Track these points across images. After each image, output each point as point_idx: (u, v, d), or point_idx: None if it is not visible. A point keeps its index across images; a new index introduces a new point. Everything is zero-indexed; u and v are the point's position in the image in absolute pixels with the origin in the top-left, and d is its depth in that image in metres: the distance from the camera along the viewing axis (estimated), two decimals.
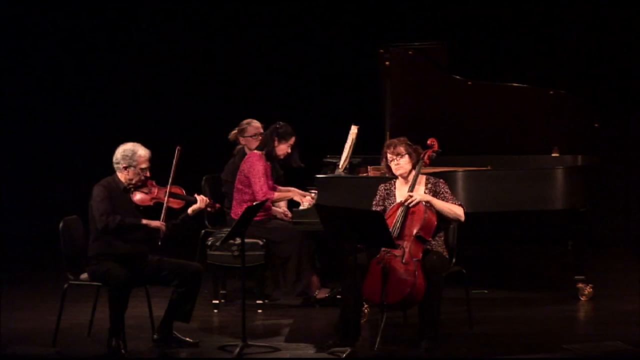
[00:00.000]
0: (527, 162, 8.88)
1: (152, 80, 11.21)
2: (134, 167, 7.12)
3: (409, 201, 7.17)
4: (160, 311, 7.37)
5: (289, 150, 8.47)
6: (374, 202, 7.44)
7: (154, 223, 7.10)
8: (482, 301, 8.35)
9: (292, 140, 8.47)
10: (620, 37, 10.84)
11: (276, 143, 8.43)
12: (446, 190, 7.35)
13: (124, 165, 7.12)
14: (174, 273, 7.14)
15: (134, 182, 7.16)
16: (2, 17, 11.13)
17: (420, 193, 7.26)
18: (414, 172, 7.33)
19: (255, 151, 8.51)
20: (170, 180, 7.18)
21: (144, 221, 7.09)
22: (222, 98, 11.11)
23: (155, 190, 7.21)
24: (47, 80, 11.26)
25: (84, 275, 7.15)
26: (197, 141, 10.93)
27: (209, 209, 7.45)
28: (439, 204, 7.24)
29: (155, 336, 7.20)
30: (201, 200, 7.28)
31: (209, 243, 8.32)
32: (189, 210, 7.27)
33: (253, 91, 11.09)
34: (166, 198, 7.15)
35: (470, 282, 7.56)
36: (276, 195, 8.45)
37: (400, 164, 7.32)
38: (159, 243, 7.12)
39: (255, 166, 8.36)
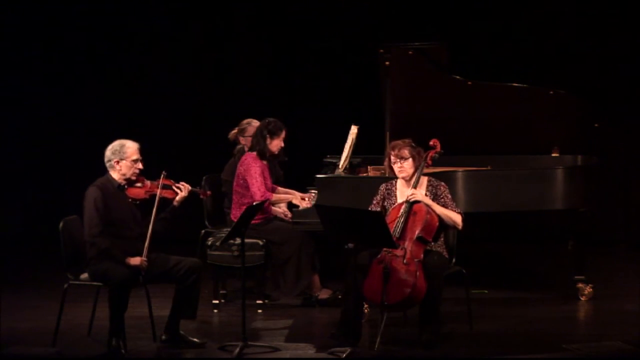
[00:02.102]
0: (527, 162, 8.88)
1: (152, 79, 11.21)
2: (126, 159, 7.18)
3: (410, 196, 7.18)
4: (160, 311, 7.38)
5: (282, 144, 8.47)
6: (374, 202, 7.44)
7: (134, 261, 7.05)
8: (482, 301, 8.35)
9: (284, 134, 8.46)
10: (621, 36, 10.84)
11: (268, 140, 8.42)
12: (447, 195, 7.35)
13: (116, 159, 7.18)
14: (173, 269, 7.15)
15: (128, 176, 7.20)
16: (1, 17, 11.13)
17: (422, 194, 7.27)
18: (416, 174, 7.33)
19: (250, 152, 8.50)
20: (160, 182, 7.19)
21: (127, 259, 7.05)
22: (222, 98, 11.11)
23: (148, 183, 7.27)
24: (47, 80, 11.25)
25: (84, 275, 7.16)
26: (197, 141, 10.94)
27: (201, 196, 7.47)
28: (438, 209, 7.24)
29: (163, 337, 7.21)
30: (182, 189, 7.30)
31: (209, 243, 8.32)
32: (175, 202, 7.28)
33: (253, 91, 11.09)
34: (159, 190, 7.18)
35: (470, 282, 7.56)
36: (274, 197, 8.44)
37: (404, 167, 7.32)
38: (140, 280, 7.10)
39: (251, 167, 8.35)
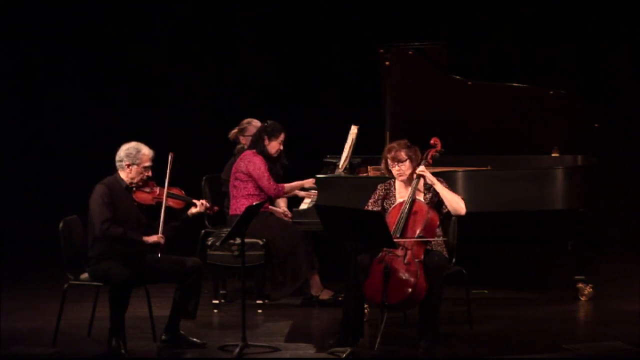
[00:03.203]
0: (527, 162, 8.88)
1: (152, 80, 11.21)
2: (137, 165, 7.15)
3: (419, 171, 7.19)
4: (160, 311, 7.38)
5: (281, 147, 8.47)
6: (371, 200, 7.43)
7: (152, 239, 7.09)
8: (482, 301, 8.35)
9: (282, 136, 8.46)
10: (621, 36, 10.84)
11: (267, 141, 8.43)
12: (445, 187, 7.33)
13: (127, 163, 7.14)
14: (174, 270, 7.15)
15: (135, 181, 7.17)
16: (1, 18, 11.13)
17: (430, 175, 7.26)
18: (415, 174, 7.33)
19: (250, 150, 8.50)
20: (167, 182, 7.18)
21: (144, 238, 7.09)
22: (223, 98, 11.11)
23: (157, 190, 7.24)
24: (47, 80, 11.25)
25: (84, 275, 7.15)
26: (198, 141, 10.93)
27: (207, 212, 7.46)
28: (443, 190, 7.22)
29: (163, 337, 7.20)
30: (200, 205, 7.29)
31: (209, 243, 8.32)
32: (189, 213, 7.28)
33: (253, 91, 11.09)
34: (164, 198, 7.17)
35: (470, 282, 7.56)
36: (287, 186, 8.46)
37: (402, 169, 7.31)
38: (159, 254, 7.12)
39: (256, 164, 8.35)
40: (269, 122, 8.50)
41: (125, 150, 7.16)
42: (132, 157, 7.15)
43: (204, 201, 7.32)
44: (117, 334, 6.93)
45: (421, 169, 7.27)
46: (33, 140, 11.29)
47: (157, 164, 7.29)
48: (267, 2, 11.16)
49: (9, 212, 11.20)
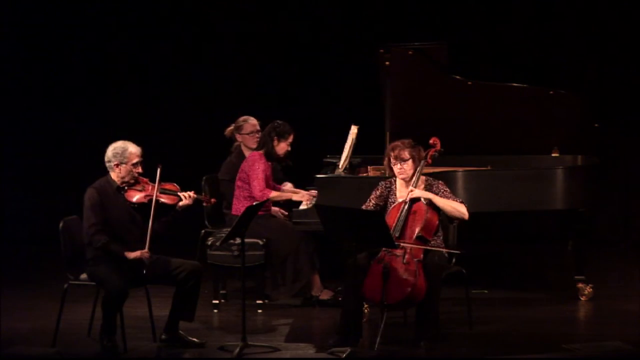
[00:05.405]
0: (527, 162, 8.88)
1: (151, 80, 11.21)
2: (126, 163, 7.14)
3: (409, 194, 7.16)
4: (159, 311, 7.37)
5: (289, 148, 8.46)
6: (373, 195, 7.41)
7: (134, 254, 7.04)
8: (482, 301, 8.35)
9: (291, 137, 8.45)
10: (620, 36, 10.84)
11: (276, 142, 8.41)
12: (445, 189, 7.34)
13: (116, 162, 7.14)
14: (173, 272, 7.13)
15: (126, 179, 7.17)
16: (1, 18, 11.13)
17: (422, 190, 7.25)
18: (416, 173, 7.32)
19: (257, 151, 8.49)
20: (156, 184, 7.15)
21: (126, 253, 7.03)
22: (223, 97, 11.10)
23: (148, 187, 7.22)
24: (46, 81, 11.25)
25: (84, 275, 7.15)
26: (197, 141, 10.93)
27: (204, 204, 7.44)
28: (441, 201, 7.22)
29: (163, 337, 7.20)
30: (187, 197, 7.26)
31: (209, 243, 8.32)
32: (177, 207, 7.25)
33: (253, 91, 11.08)
34: (155, 196, 7.14)
35: (470, 282, 7.56)
36: (273, 194, 8.43)
37: (404, 168, 7.29)
38: (144, 272, 7.08)
39: (255, 165, 8.35)
40: (279, 122, 8.45)
41: (112, 150, 7.16)
42: (119, 157, 7.14)
43: (191, 193, 7.28)
44: (108, 334, 6.92)
45: (411, 189, 7.22)
46: (33, 140, 11.29)
47: (155, 161, 7.28)
48: (266, 1, 11.15)
49: (9, 212, 11.19)
